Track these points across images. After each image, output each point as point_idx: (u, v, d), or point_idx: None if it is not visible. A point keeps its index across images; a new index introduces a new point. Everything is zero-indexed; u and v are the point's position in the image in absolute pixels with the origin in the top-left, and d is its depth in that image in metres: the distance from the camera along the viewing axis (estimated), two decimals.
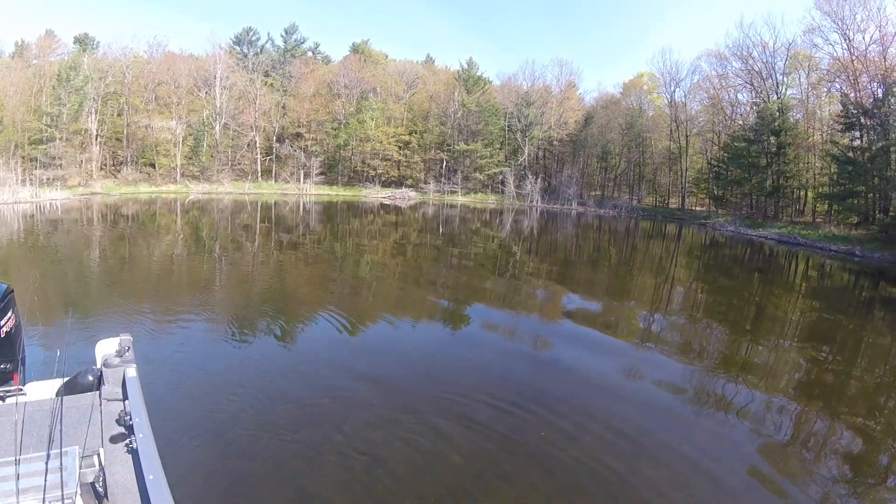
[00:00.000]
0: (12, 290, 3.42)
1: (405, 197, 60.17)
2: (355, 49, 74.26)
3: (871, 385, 8.29)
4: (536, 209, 55.95)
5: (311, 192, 59.66)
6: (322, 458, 4.94)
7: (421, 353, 8.56)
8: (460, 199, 60.98)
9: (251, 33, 68.24)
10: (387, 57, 77.82)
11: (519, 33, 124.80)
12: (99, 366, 3.52)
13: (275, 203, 47.14)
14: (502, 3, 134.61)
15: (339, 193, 61.04)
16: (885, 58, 36.36)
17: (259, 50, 67.94)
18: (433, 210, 47.33)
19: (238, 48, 67.66)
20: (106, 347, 3.73)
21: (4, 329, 3.28)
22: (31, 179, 46.37)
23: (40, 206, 38.07)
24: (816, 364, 9.21)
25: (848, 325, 13.01)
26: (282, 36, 71.10)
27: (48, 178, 48.11)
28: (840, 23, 39.54)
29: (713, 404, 7.04)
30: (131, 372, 3.23)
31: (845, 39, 39.78)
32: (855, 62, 38.57)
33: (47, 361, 3.26)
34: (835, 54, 41.43)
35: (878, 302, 17.30)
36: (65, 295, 11.40)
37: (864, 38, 38.89)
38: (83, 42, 64.08)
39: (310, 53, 73.97)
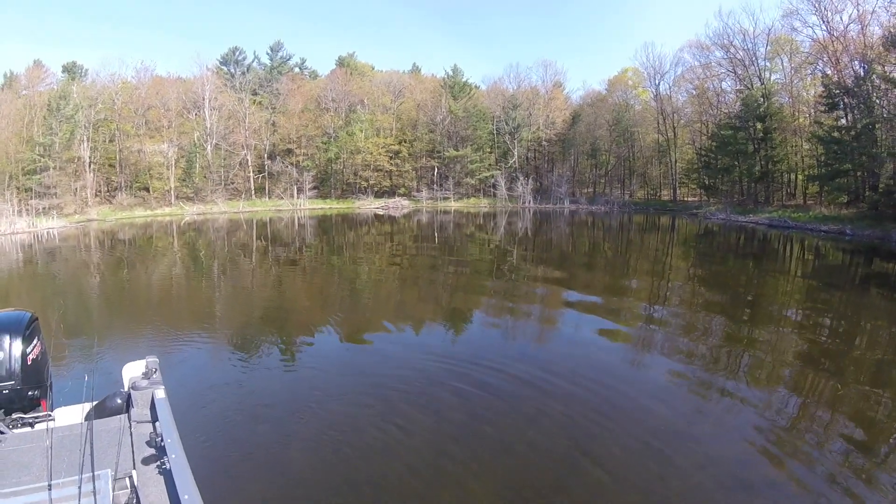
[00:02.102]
0: (37, 318, 3.50)
1: (398, 206, 60.56)
2: (341, 63, 74.85)
3: (871, 362, 8.43)
4: (529, 210, 56.35)
5: (305, 206, 60.04)
6: (358, 475, 4.94)
7: (449, 354, 8.59)
8: (453, 205, 61.40)
9: (237, 53, 68.80)
10: (373, 68, 78.39)
11: (503, 36, 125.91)
12: (126, 388, 3.52)
13: (270, 220, 47.41)
14: (485, 6, 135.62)
15: (332, 207, 61.43)
16: (864, 35, 36.65)
17: (246, 69, 68.43)
18: (427, 217, 47.62)
19: (225, 68, 68.13)
20: (133, 370, 3.73)
21: (31, 357, 3.30)
22: (27, 209, 46.57)
23: (37, 236, 38.27)
24: (814, 345, 9.35)
25: (842, 303, 13.27)
26: (268, 54, 71.79)
27: (44, 208, 48.33)
28: (817, 4, 39.92)
29: (715, 391, 7.12)
30: (160, 393, 3.22)
31: (824, 21, 40.17)
32: (835, 42, 38.87)
33: (74, 387, 3.23)
34: (814, 36, 41.79)
35: (871, 278, 17.54)
36: (86, 321, 11.63)
37: (841, 18, 39.26)
38: (71, 70, 64.44)
39: (297, 69, 74.52)
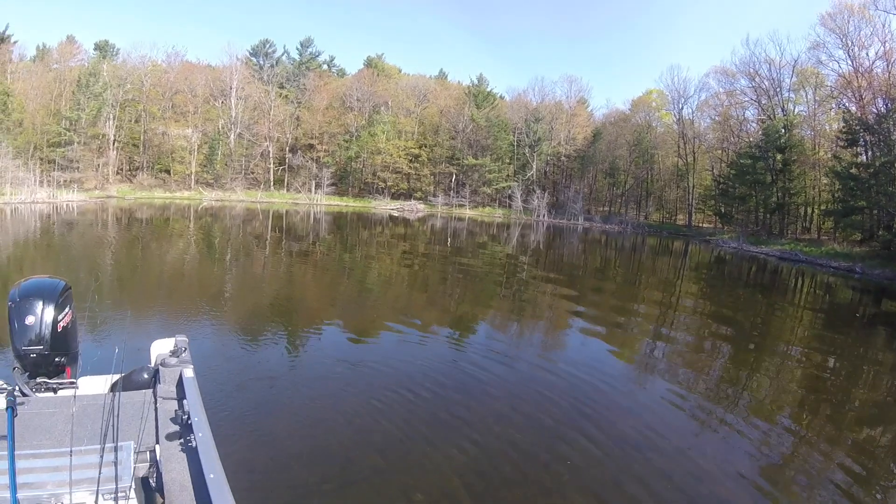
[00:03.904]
0: (70, 287, 3.51)
1: (414, 209, 60.91)
2: (369, 63, 75.40)
3: (870, 403, 8.46)
4: (543, 224, 56.39)
5: (321, 202, 60.53)
6: (379, 459, 5.15)
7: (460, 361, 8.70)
8: (468, 213, 61.54)
9: (268, 45, 69.51)
10: (400, 71, 78.91)
11: (530, 48, 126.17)
12: (154, 364, 3.50)
13: (286, 212, 47.83)
14: (515, 19, 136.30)
15: (349, 204, 61.88)
16: (889, 73, 36.45)
17: (275, 62, 69.17)
18: (441, 223, 47.81)
19: (254, 60, 68.93)
20: (161, 347, 3.69)
21: (62, 324, 3.33)
22: (48, 181, 47.45)
23: (57, 207, 38.94)
24: (814, 382, 9.33)
25: (844, 342, 13.22)
26: (297, 49, 72.64)
27: (65, 181, 49.24)
28: (844, 39, 39.75)
29: (718, 421, 7.12)
30: (188, 372, 3.19)
31: (849, 56, 40.01)
32: (859, 78, 38.67)
33: (100, 358, 3.22)
34: (840, 71, 41.54)
35: (877, 319, 17.41)
36: (116, 294, 11.88)
37: (867, 54, 39.11)
38: (103, 49, 65.55)
39: (325, 66, 75.29)
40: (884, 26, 37.41)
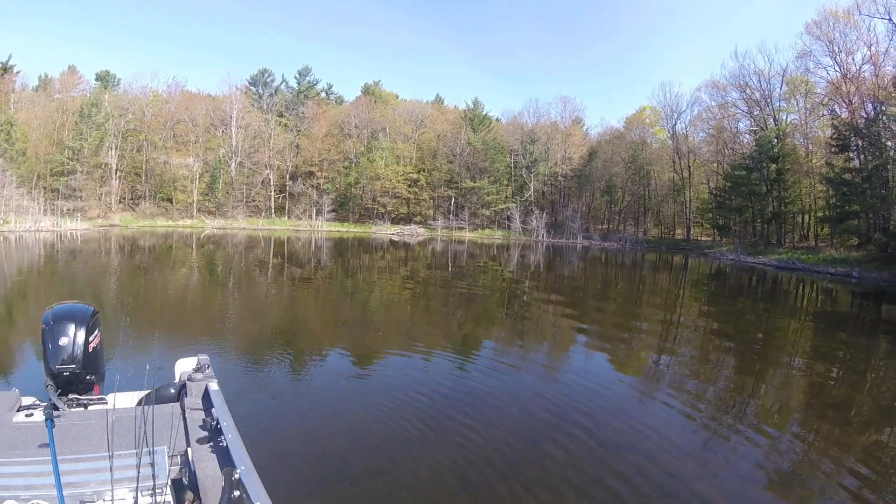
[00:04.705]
0: (98, 312, 3.80)
1: (414, 233, 61.45)
2: (366, 90, 76.66)
3: (876, 408, 8.50)
4: (542, 244, 56.73)
5: (322, 228, 61.04)
6: (386, 462, 5.40)
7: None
8: (468, 235, 62.03)
9: (266, 75, 70.85)
10: (397, 97, 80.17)
11: (525, 71, 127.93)
12: (178, 381, 3.72)
13: (288, 239, 48.11)
14: (509, 41, 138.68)
15: (349, 230, 62.37)
16: (877, 76, 36.88)
17: (274, 91, 70.44)
18: (441, 246, 48.02)
19: (254, 89, 70.15)
20: (185, 365, 3.92)
21: (92, 345, 3.60)
22: (51, 209, 48.07)
23: (61, 236, 39.30)
24: (816, 389, 9.40)
25: (841, 347, 13.28)
26: (295, 77, 74.00)
27: (69, 209, 49.95)
28: (830, 45, 40.35)
29: (727, 429, 7.16)
30: (213, 385, 3.34)
31: (837, 62, 40.59)
32: (847, 84, 39.16)
33: (126, 377, 3.27)
34: (828, 77, 42.12)
35: (872, 322, 17.53)
36: (135, 319, 12.14)
37: (854, 59, 39.68)
38: (104, 79, 66.77)
39: (323, 94, 76.54)
40: (869, 30, 38.15)
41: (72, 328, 3.57)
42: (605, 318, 16.61)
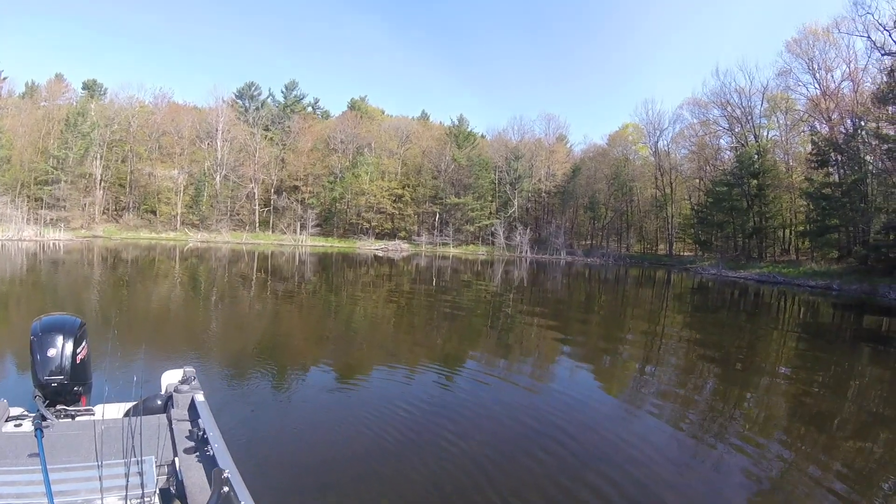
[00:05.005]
0: (85, 324, 3.86)
1: (398, 249, 61.63)
2: (353, 105, 77.12)
3: (860, 416, 8.69)
4: (526, 260, 57.13)
5: (307, 243, 61.05)
6: (370, 469, 5.60)
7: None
8: (452, 251, 62.28)
9: (253, 88, 71.09)
10: (383, 112, 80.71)
11: (510, 88, 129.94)
12: (165, 392, 3.77)
13: (272, 253, 47.88)
14: (494, 58, 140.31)
15: (333, 245, 62.37)
16: (856, 93, 37.60)
17: (260, 104, 70.64)
18: (426, 262, 47.90)
19: (240, 102, 70.33)
20: (171, 377, 4.00)
21: (79, 357, 3.64)
22: (35, 218, 47.58)
23: (44, 246, 38.87)
24: (799, 400, 9.56)
25: (828, 360, 13.48)
26: (282, 91, 74.27)
27: (52, 219, 49.46)
28: (810, 63, 41.30)
29: (714, 437, 7.24)
30: (200, 397, 3.43)
31: (816, 80, 41.53)
32: (826, 100, 39.94)
33: (113, 388, 3.39)
34: (808, 94, 42.94)
35: (847, 333, 17.79)
36: (121, 331, 12.17)
37: (833, 76, 40.56)
38: (91, 88, 66.62)
39: (309, 109, 76.85)
40: (848, 48, 39.04)
41: (60, 339, 3.62)
42: (588, 331, 16.86)
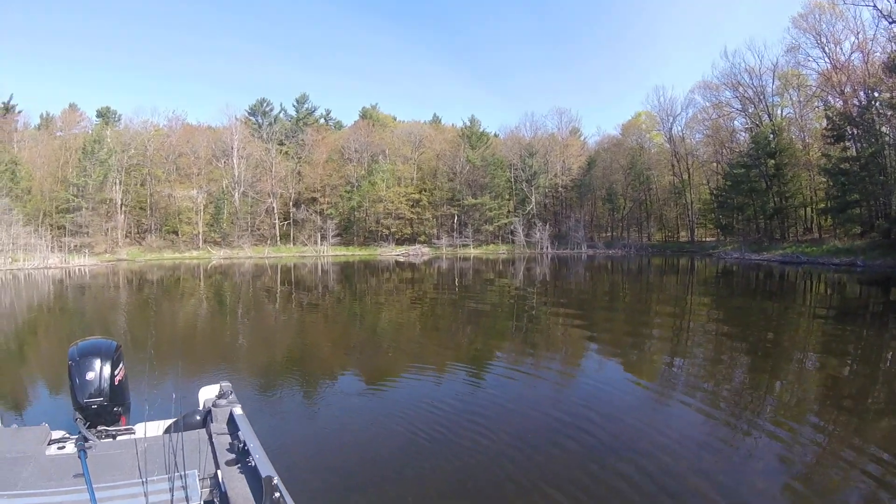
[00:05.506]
0: (120, 346, 3.96)
1: (419, 253, 61.71)
2: (364, 114, 77.57)
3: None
4: (547, 256, 56.81)
5: (328, 253, 61.35)
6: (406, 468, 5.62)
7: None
8: (472, 252, 62.19)
9: (265, 104, 71.78)
10: (395, 119, 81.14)
11: (519, 83, 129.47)
12: (203, 407, 3.87)
13: (294, 265, 48.23)
14: (502, 55, 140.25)
15: (355, 253, 62.67)
16: (867, 64, 36.92)
17: (273, 120, 71.26)
18: (447, 264, 48.00)
19: (253, 119, 71.07)
20: (208, 393, 4.11)
21: (117, 378, 3.74)
22: (59, 246, 48.54)
23: (69, 272, 39.60)
24: (835, 383, 9.28)
25: (857, 339, 13.00)
26: (294, 105, 74.97)
27: (76, 245, 50.46)
28: (818, 37, 40.60)
29: (747, 424, 7.10)
30: (238, 410, 3.49)
31: (826, 53, 40.79)
32: (838, 73, 39.21)
33: (151, 407, 3.50)
34: (818, 69, 42.24)
35: (871, 310, 17.26)
36: (165, 348, 12.37)
37: (842, 48, 39.83)
38: (105, 115, 68.03)
39: (322, 120, 77.52)
40: (855, 19, 38.31)
41: (97, 363, 3.71)
42: (613, 323, 16.67)
